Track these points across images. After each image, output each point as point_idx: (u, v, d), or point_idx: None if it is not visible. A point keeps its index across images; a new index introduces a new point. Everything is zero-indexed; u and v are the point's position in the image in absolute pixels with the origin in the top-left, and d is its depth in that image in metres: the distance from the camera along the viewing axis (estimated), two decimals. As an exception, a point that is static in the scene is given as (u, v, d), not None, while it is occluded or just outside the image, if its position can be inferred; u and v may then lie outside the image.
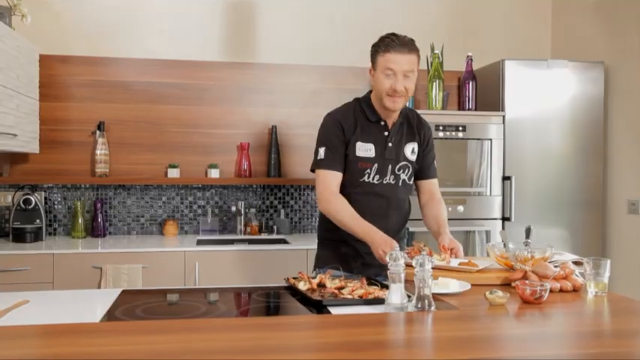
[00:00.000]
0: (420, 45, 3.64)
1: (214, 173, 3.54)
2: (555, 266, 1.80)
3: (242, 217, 3.56)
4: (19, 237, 3.16)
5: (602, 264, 1.69)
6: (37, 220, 3.21)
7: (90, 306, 1.62)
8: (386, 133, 2.14)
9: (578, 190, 3.38)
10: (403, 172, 2.17)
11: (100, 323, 1.38)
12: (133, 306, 1.62)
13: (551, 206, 3.36)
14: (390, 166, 2.13)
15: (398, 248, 1.65)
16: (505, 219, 3.30)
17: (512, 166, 3.32)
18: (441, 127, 3.24)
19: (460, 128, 3.26)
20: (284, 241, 3.37)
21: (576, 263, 1.92)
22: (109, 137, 3.48)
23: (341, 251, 2.15)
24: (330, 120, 2.15)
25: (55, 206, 3.47)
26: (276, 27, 3.70)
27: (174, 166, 3.51)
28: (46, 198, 3.45)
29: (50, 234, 3.46)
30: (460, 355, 1.13)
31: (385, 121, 2.14)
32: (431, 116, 3.26)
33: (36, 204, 3.21)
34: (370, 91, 2.19)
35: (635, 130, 3.29)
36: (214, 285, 2.86)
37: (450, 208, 3.23)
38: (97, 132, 3.43)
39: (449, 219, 3.19)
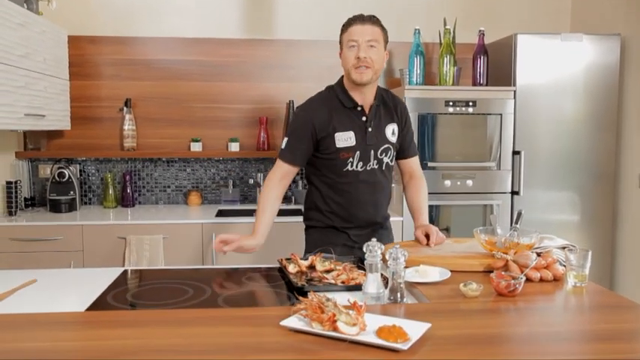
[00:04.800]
0: (433, 19, 3.52)
1: (234, 147, 3.51)
2: (538, 254, 1.71)
3: (261, 188, 3.53)
4: (55, 207, 3.24)
5: (585, 255, 1.58)
6: (71, 192, 3.28)
7: (88, 288, 1.63)
8: (364, 119, 2.03)
9: (589, 163, 3.20)
10: (386, 156, 2.07)
11: (74, 313, 1.39)
12: (125, 289, 1.63)
13: (562, 180, 3.19)
14: (372, 152, 2.03)
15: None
16: (514, 193, 3.17)
17: (522, 140, 3.16)
18: (451, 103, 3.10)
19: (470, 103, 3.11)
20: (301, 211, 3.31)
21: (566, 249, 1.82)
22: (136, 113, 3.49)
23: (326, 236, 2.10)
24: (302, 115, 2.05)
25: (90, 178, 3.54)
26: (294, 4, 3.57)
27: (196, 140, 3.49)
28: (80, 170, 3.51)
29: (85, 203, 3.54)
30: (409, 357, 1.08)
31: (361, 106, 2.03)
32: (441, 92, 3.12)
33: (69, 177, 3.27)
34: (342, 77, 2.08)
35: (651, 104, 3.06)
36: (224, 260, 2.86)
37: (459, 183, 3.14)
38: (125, 108, 3.44)
39: (458, 192, 3.14)
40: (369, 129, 2.02)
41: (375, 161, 2.05)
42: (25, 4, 2.87)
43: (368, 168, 2.04)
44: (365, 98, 2.03)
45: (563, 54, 3.15)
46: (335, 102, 2.03)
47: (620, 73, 3.20)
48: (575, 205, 3.21)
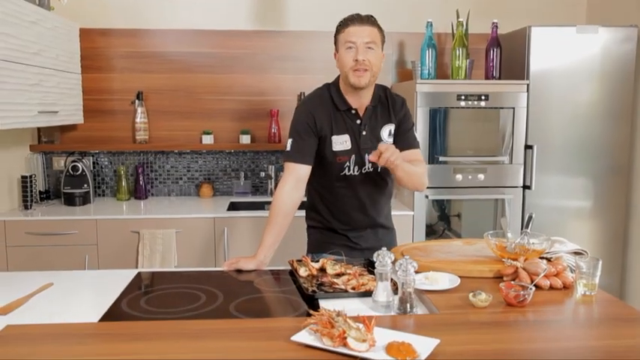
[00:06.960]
0: (446, 8, 3.46)
1: (245, 139, 3.52)
2: (548, 259, 1.71)
3: (272, 180, 3.56)
4: (69, 201, 3.28)
5: (596, 264, 1.58)
6: (85, 185, 3.31)
7: (103, 292, 1.67)
8: (358, 122, 2.01)
9: (602, 156, 3.16)
10: None
11: (88, 325, 1.42)
12: (139, 295, 1.66)
13: (574, 173, 3.16)
14: (366, 155, 1.99)
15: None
16: (526, 187, 3.15)
17: (535, 134, 3.12)
18: (463, 97, 3.07)
19: (483, 97, 3.08)
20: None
21: (577, 253, 1.82)
22: (148, 106, 3.50)
23: (326, 237, 2.12)
24: (303, 110, 2.03)
25: (103, 170, 3.57)
26: (304, -7, 3.55)
27: (208, 133, 3.51)
28: (94, 162, 3.55)
29: (99, 195, 3.58)
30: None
31: (355, 109, 2.01)
32: (453, 85, 3.09)
33: (83, 170, 3.30)
34: (339, 77, 2.04)
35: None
36: (237, 253, 2.89)
37: (470, 177, 3.13)
38: (137, 101, 3.46)
39: (469, 187, 3.13)
40: (363, 132, 2.01)
41: (370, 164, 2.02)
42: (36, 0, 2.87)
43: (364, 171, 2.03)
44: (360, 101, 2.01)
45: (578, 46, 3.10)
46: (331, 103, 2.01)
47: (637, 65, 3.14)
48: (588, 196, 3.18)
